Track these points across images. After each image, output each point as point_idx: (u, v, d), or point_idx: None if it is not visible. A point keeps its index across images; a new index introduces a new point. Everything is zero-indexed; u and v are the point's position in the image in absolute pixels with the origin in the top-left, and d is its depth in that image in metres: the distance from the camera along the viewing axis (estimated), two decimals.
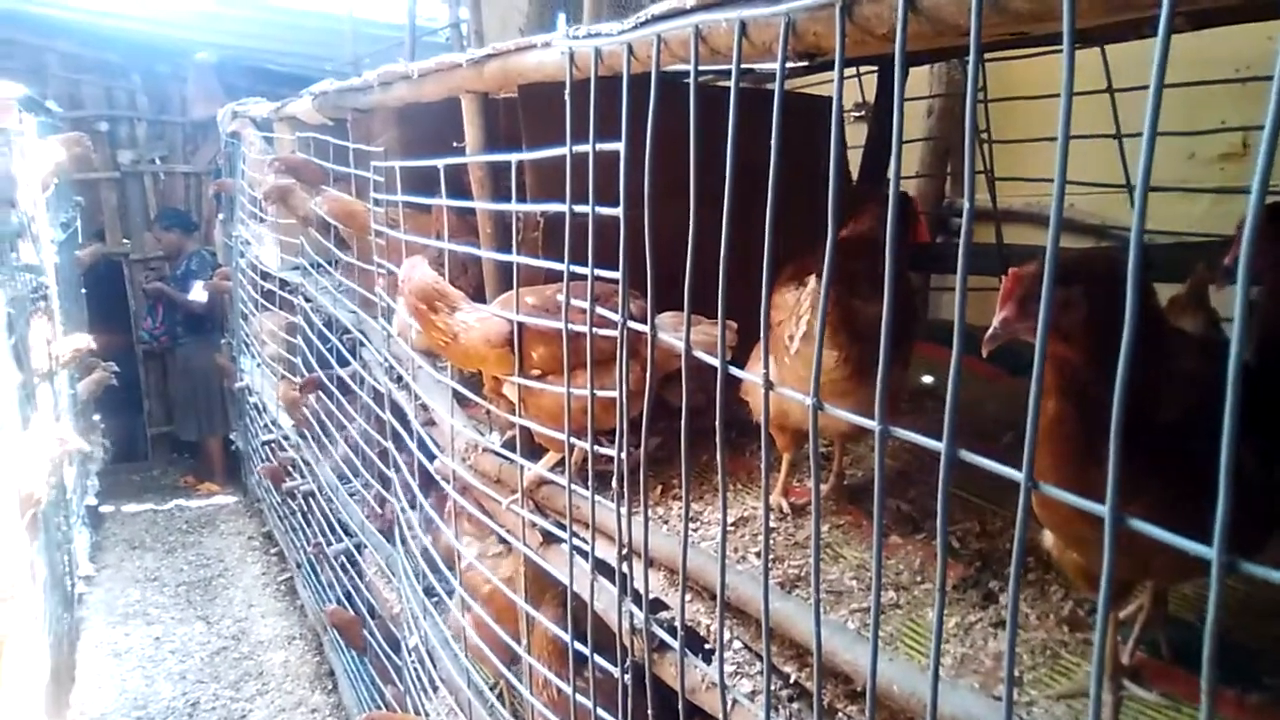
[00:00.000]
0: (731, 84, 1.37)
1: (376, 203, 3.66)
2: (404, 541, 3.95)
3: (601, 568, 2.16)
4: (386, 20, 9.10)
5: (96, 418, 9.01)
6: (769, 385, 1.48)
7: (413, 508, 3.73)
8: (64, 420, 6.14)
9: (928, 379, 3.15)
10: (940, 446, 1.12)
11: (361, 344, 4.41)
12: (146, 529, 8.82)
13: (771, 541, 2.14)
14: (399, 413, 3.73)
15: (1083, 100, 2.90)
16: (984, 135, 3.91)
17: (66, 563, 5.80)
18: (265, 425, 7.12)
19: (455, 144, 2.84)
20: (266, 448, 7.14)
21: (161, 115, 10.28)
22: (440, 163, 2.83)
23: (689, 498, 1.99)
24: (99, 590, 7.42)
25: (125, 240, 10.18)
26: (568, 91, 1.88)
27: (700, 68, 1.55)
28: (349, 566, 5.01)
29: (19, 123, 5.97)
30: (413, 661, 3.82)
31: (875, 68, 4.08)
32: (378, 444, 4.25)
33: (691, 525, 2.23)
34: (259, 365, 7.21)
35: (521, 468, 2.48)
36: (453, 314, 2.46)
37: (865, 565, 2.01)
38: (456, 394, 2.91)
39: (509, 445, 2.74)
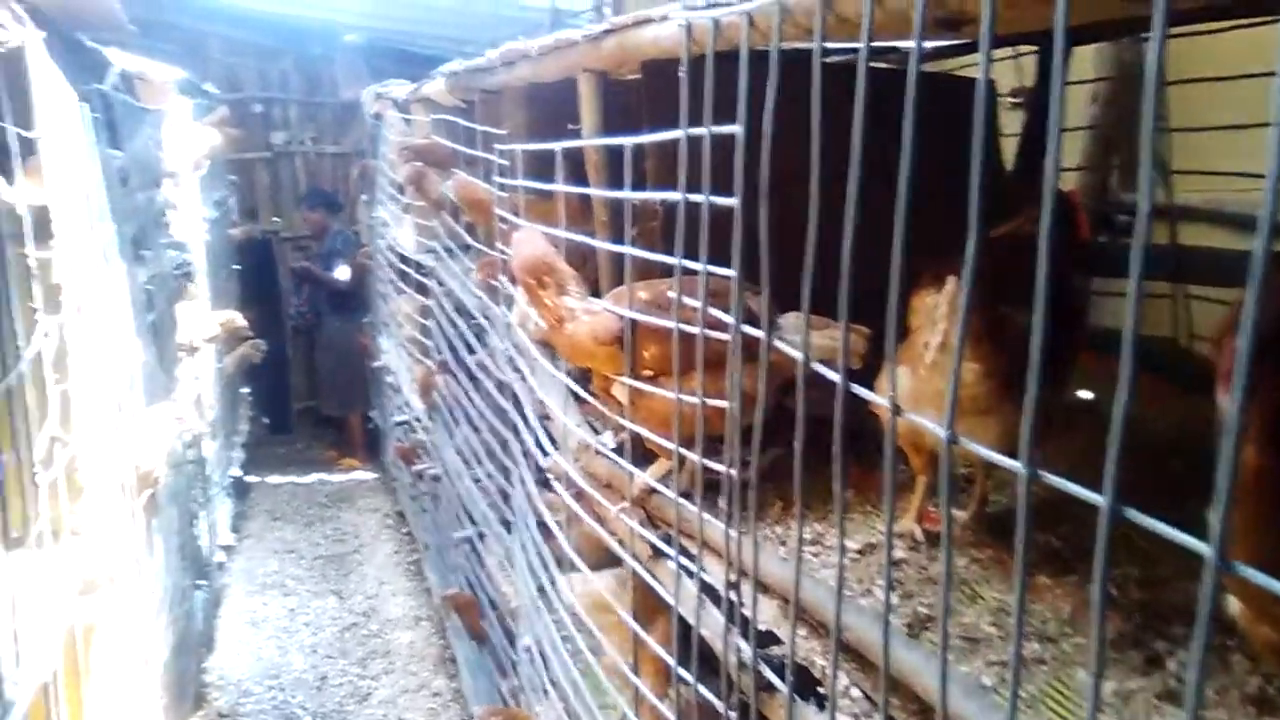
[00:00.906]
0: (860, 57, 1.16)
1: (500, 187, 3.54)
2: (521, 535, 3.85)
3: (710, 591, 1.98)
4: (528, 3, 9.08)
5: (245, 390, 9.32)
6: (896, 410, 1.27)
7: (528, 503, 3.62)
8: (207, 394, 6.30)
9: (1086, 394, 2.85)
10: (1101, 501, 0.90)
11: (487, 331, 4.33)
12: (288, 501, 9.06)
13: (900, 574, 1.92)
14: (519, 404, 3.63)
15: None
16: (1161, 122, 3.54)
17: (207, 533, 5.94)
18: (400, 406, 7.18)
19: (570, 126, 2.68)
20: (400, 428, 7.20)
21: (312, 97, 10.52)
22: (556, 146, 2.69)
23: (804, 518, 1.80)
24: (240, 559, 7.63)
25: (276, 219, 10.48)
26: (683, 68, 1.69)
27: (831, 45, 1.34)
28: (471, 555, 4.96)
29: (175, 104, 6.13)
30: (526, 660, 3.72)
31: (1035, 48, 3.75)
32: (499, 434, 4.17)
33: (811, 550, 2.02)
34: (396, 346, 7.27)
35: (630, 474, 2.32)
36: (560, 295, 2.31)
37: (1007, 609, 1.78)
38: (570, 389, 2.77)
39: (620, 448, 2.59)
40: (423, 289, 6.04)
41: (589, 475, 2.67)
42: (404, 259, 6.50)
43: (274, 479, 9.58)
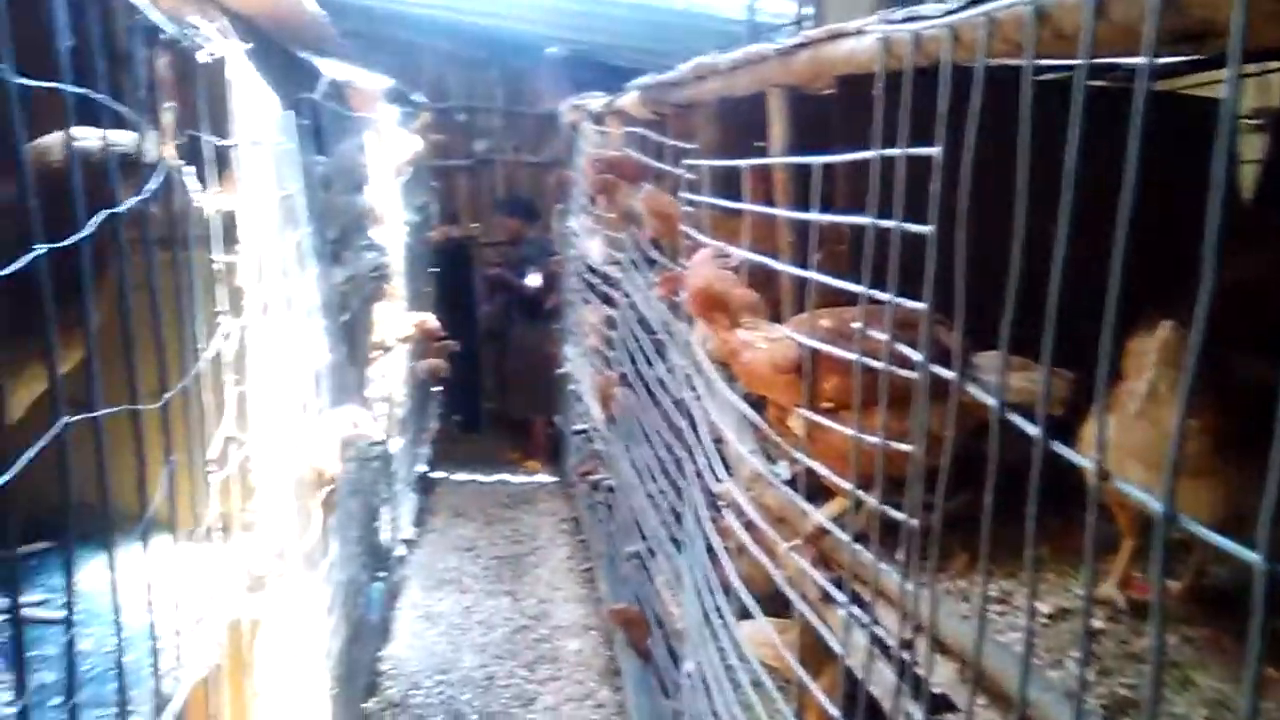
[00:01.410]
0: (1077, 75, 1.02)
1: (687, 202, 3.48)
2: (690, 556, 3.78)
3: (882, 644, 1.84)
4: (728, 15, 9.03)
5: (436, 389, 9.62)
6: (1103, 475, 1.12)
7: (698, 526, 3.54)
8: (398, 393, 6.51)
9: None
10: None
11: (667, 346, 4.27)
12: (471, 499, 9.28)
13: (1098, 647, 1.73)
14: (694, 424, 3.55)
15: None
16: None
17: (390, 527, 6.13)
18: (581, 414, 7.23)
19: (756, 144, 2.59)
20: (580, 436, 7.25)
21: (515, 107, 10.80)
22: (743, 164, 2.60)
23: (990, 574, 1.64)
24: (420, 553, 7.86)
25: (474, 225, 10.79)
26: (877, 85, 1.57)
27: (1044, 61, 1.21)
28: (641, 570, 4.92)
29: (382, 112, 6.37)
30: (688, 685, 3.63)
31: None
32: (673, 451, 4.10)
33: (997, 609, 1.85)
34: (581, 355, 7.34)
35: (803, 510, 2.20)
36: (733, 327, 2.22)
37: (1226, 702, 1.56)
38: (744, 415, 2.67)
39: (794, 481, 2.47)
40: (608, 300, 6.06)
41: (760, 506, 2.56)
42: (592, 269, 6.54)
43: (459, 476, 9.83)
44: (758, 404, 2.65)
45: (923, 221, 1.56)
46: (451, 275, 10.24)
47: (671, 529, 4.32)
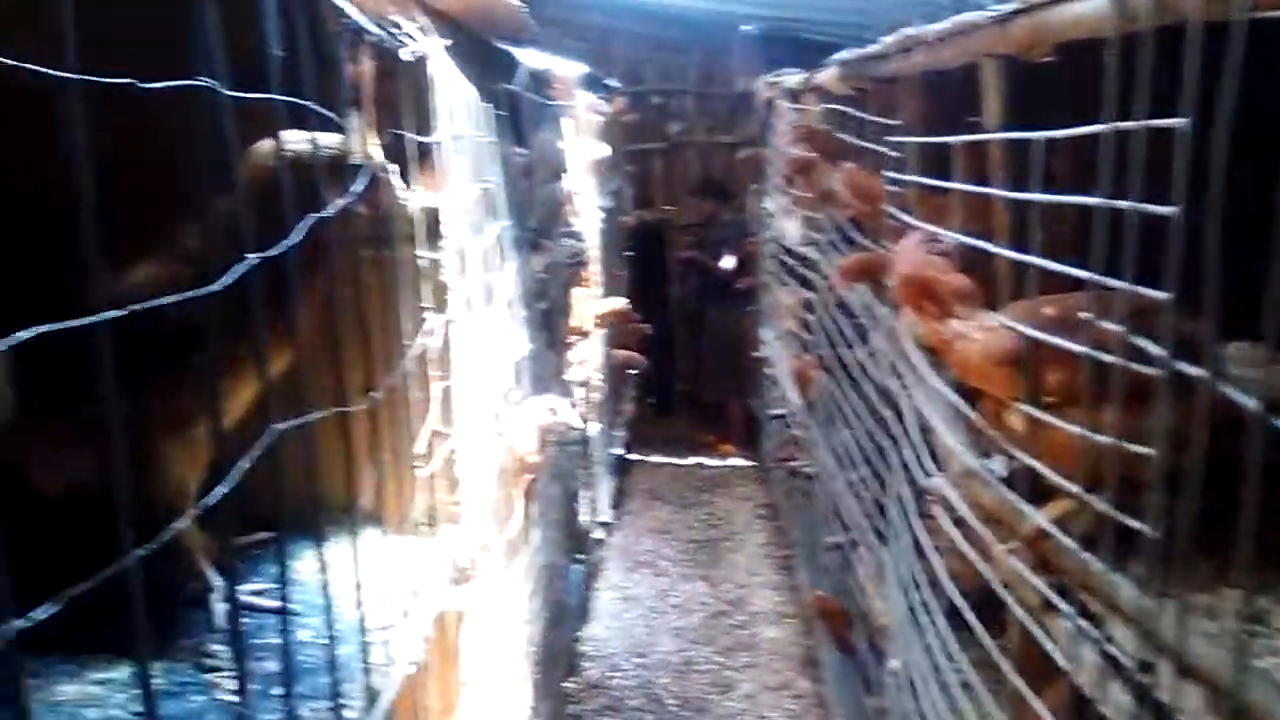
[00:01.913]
0: None
1: (890, 182, 3.33)
2: (895, 552, 3.64)
3: (1115, 663, 1.69)
4: None
5: (633, 371, 9.70)
6: None
7: (904, 520, 3.40)
8: (594, 377, 6.59)
9: None
10: None
11: (870, 331, 4.13)
12: (667, 483, 9.32)
13: None
14: (900, 413, 3.41)
15: None
16: None
17: (588, 509, 6.22)
18: (778, 398, 7.14)
19: (969, 118, 2.43)
20: (777, 421, 7.15)
21: (709, 88, 10.74)
22: (955, 140, 2.45)
23: (1247, 590, 1.49)
24: (618, 535, 7.95)
25: (667, 207, 10.80)
26: (1110, 50, 1.43)
27: None
28: (841, 561, 4.80)
29: (578, 99, 6.44)
30: (893, 684, 3.50)
31: None
32: (877, 440, 3.97)
33: (1252, 630, 1.67)
34: (777, 338, 7.24)
35: (1023, 511, 2.06)
36: (944, 317, 2.09)
37: None
38: (956, 407, 2.52)
39: (1012, 479, 2.31)
40: (806, 282, 5.93)
41: (973, 504, 2.42)
42: (788, 250, 6.42)
43: (654, 459, 9.90)
44: (970, 395, 2.50)
45: (1162, 201, 1.41)
46: (645, 259, 10.29)
47: (875, 520, 4.18)
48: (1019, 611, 2.12)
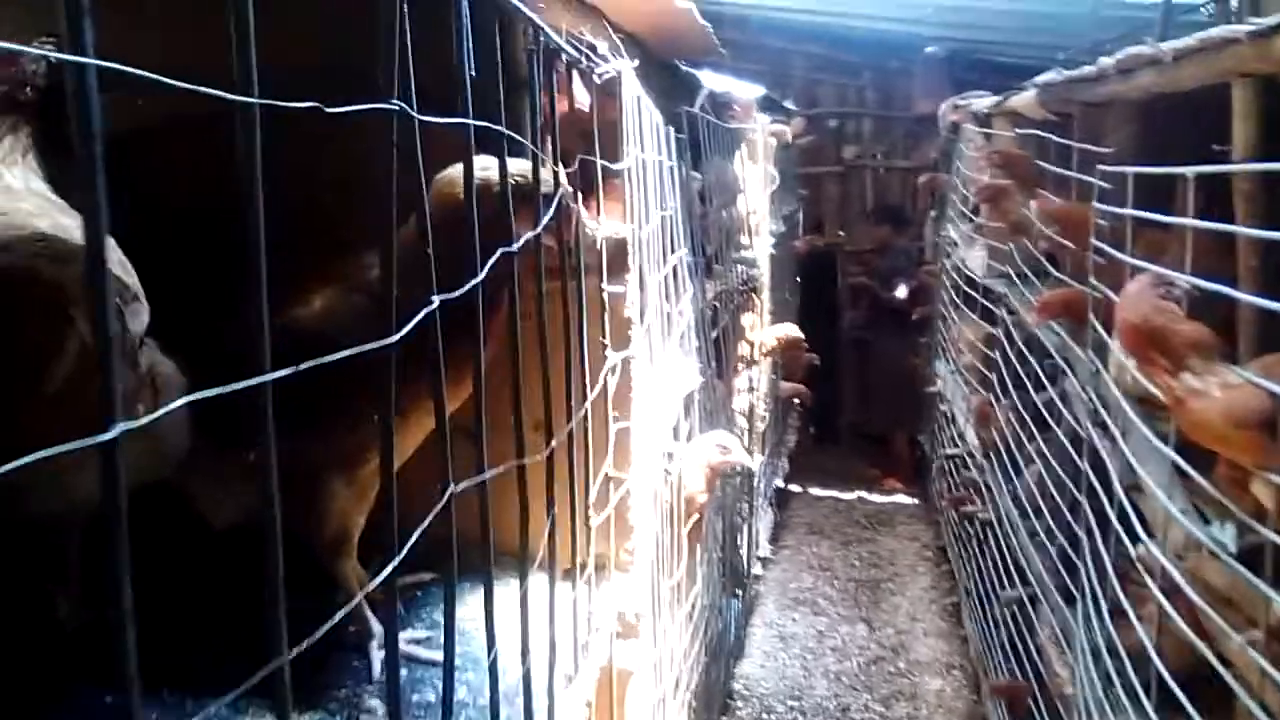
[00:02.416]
0: None
1: (1101, 214, 3.06)
2: (1086, 616, 3.35)
3: None
4: (1135, 0, 8.14)
5: (797, 401, 9.46)
6: None
7: (1101, 584, 3.12)
8: (760, 405, 6.41)
9: None
10: None
11: (1063, 373, 3.83)
12: (827, 516, 9.04)
13: None
14: (1099, 465, 3.13)
15: None
16: None
17: (746, 544, 6.03)
18: (951, 438, 6.79)
19: (1215, 147, 2.17)
20: (950, 462, 6.81)
21: (886, 111, 10.44)
22: (1189, 171, 2.19)
23: None
24: (775, 570, 7.72)
25: (841, 233, 10.54)
26: None
27: None
28: (1019, 617, 4.48)
29: (755, 122, 6.31)
30: None
31: None
32: (1069, 493, 3.67)
33: None
34: (953, 373, 6.90)
35: (1268, 597, 1.79)
36: (1178, 372, 1.85)
37: None
38: (1176, 467, 2.25)
39: (1251, 557, 2.04)
40: (989, 315, 5.62)
41: (1196, 580, 2.15)
42: (970, 282, 6.11)
43: (815, 491, 9.61)
44: (1193, 455, 2.23)
45: None
46: (816, 285, 10.06)
47: (1063, 578, 3.87)
48: (1255, 709, 1.85)
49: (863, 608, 7.23)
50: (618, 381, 1.63)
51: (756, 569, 6.85)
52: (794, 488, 9.43)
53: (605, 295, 1.64)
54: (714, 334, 4.16)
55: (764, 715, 5.77)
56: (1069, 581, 3.80)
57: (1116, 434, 2.75)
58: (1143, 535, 2.48)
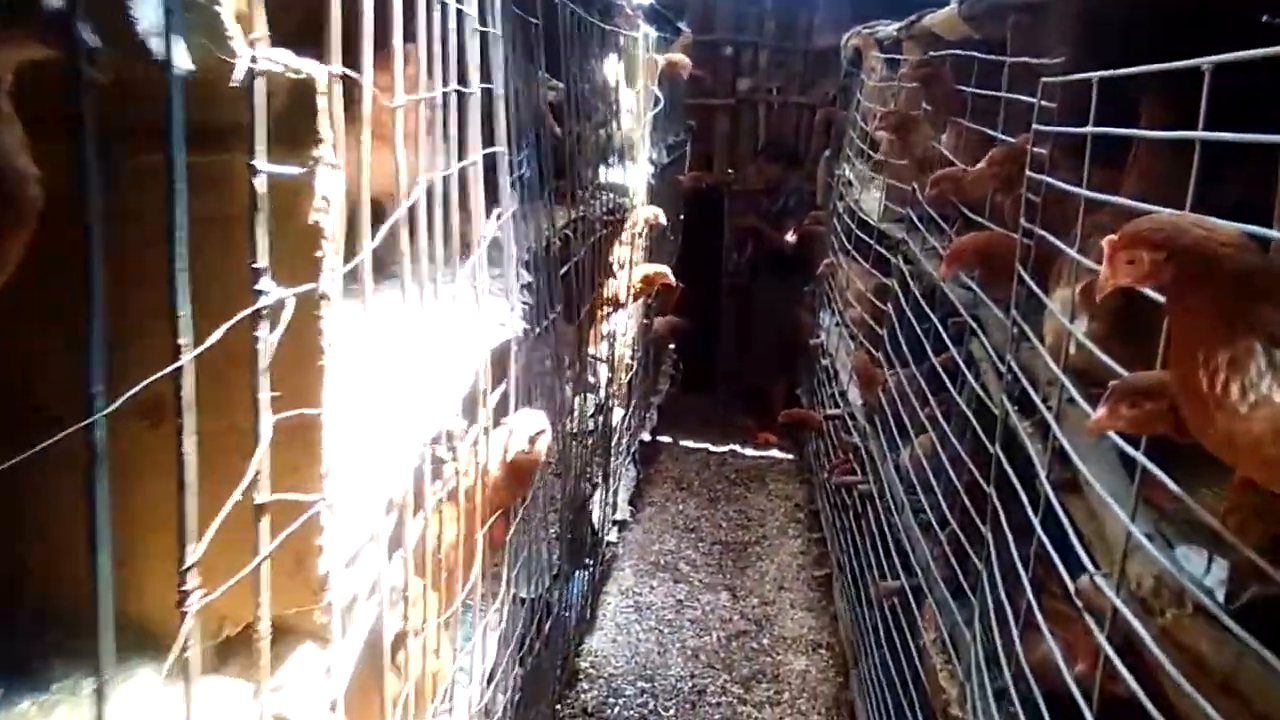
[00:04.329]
0: None
1: (1042, 140, 2.42)
2: (983, 622, 2.78)
3: None
4: None
5: (672, 347, 8.84)
6: None
7: (1010, 591, 2.54)
8: (627, 352, 5.73)
9: None
10: None
11: (972, 333, 3.22)
12: (697, 471, 8.46)
13: None
14: (1014, 450, 2.53)
15: None
16: None
17: (600, 508, 5.36)
18: (833, 396, 6.23)
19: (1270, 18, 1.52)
20: (830, 423, 6.25)
21: (784, 43, 9.74)
22: (1200, 64, 1.55)
23: None
24: (637, 531, 7.10)
25: (730, 170, 9.86)
26: None
27: None
28: (900, 610, 3.92)
29: (638, 33, 5.54)
30: None
31: None
32: (968, 474, 3.08)
33: None
34: (838, 325, 6.32)
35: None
36: (1209, 371, 1.20)
37: None
38: (1145, 471, 1.63)
39: (1245, 612, 1.44)
40: (883, 264, 5.02)
41: (1171, 639, 1.53)
42: (864, 226, 5.50)
43: (687, 442, 9.02)
44: (1181, 456, 1.61)
45: None
46: (699, 224, 9.39)
47: (955, 571, 3.30)
48: None
49: (727, 574, 6.68)
50: (284, 336, 0.91)
51: (612, 536, 6.20)
52: (663, 438, 8.83)
53: (261, 183, 0.90)
54: (562, 270, 3.43)
55: (610, 699, 5.15)
56: (960, 576, 3.24)
57: (1048, 417, 2.13)
58: (1083, 555, 1.87)
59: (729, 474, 8.46)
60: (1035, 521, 2.11)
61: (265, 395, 0.93)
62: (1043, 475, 2.14)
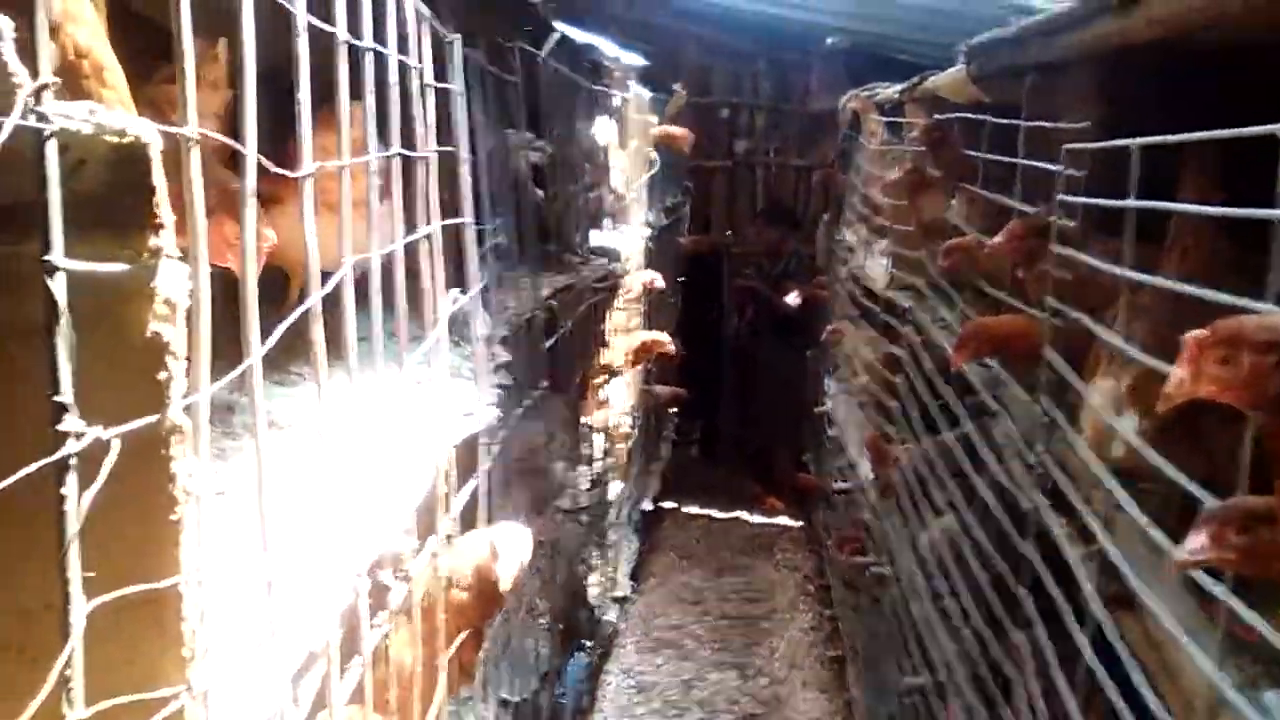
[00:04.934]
0: None
1: (1069, 211, 2.21)
2: None
3: None
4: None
5: (673, 411, 8.61)
6: None
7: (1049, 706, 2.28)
8: (624, 419, 5.50)
9: None
10: None
11: (991, 415, 2.98)
12: (701, 538, 8.20)
13: None
14: (1050, 550, 2.28)
15: None
16: None
17: (601, 586, 5.08)
18: (841, 468, 5.97)
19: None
20: (840, 497, 5.98)
21: (781, 104, 9.63)
22: (1275, 130, 1.34)
23: None
24: (640, 603, 6.82)
25: (729, 232, 9.69)
26: None
27: None
28: (920, 710, 3.64)
29: (632, 95, 5.38)
30: None
31: None
32: (995, 568, 2.83)
33: None
34: (845, 394, 6.08)
35: None
36: None
37: None
38: (1223, 605, 1.38)
39: None
40: (891, 333, 4.80)
41: None
42: (869, 293, 5.28)
43: (691, 508, 8.75)
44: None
45: None
46: (700, 287, 9.22)
47: (979, 669, 3.03)
48: None
49: (735, 650, 6.39)
50: (117, 488, 0.68)
51: (612, 614, 5.90)
52: (666, 504, 8.55)
53: (59, 284, 0.66)
54: (549, 343, 3.20)
55: None
56: (990, 679, 2.96)
57: (1093, 524, 1.88)
58: (1147, 694, 1.62)
59: (735, 542, 8.19)
60: (1084, 643, 1.85)
61: (76, 571, 0.69)
62: (1089, 589, 1.89)
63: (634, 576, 6.87)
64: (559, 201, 3.60)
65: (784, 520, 8.62)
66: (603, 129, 4.64)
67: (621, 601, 6.22)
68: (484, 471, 1.98)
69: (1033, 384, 2.61)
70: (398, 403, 1.53)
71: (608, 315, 4.88)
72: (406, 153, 1.67)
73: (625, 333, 5.23)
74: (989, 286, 3.12)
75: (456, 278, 1.95)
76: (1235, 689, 1.35)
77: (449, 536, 1.72)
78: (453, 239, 1.98)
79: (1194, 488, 1.42)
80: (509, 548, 1.83)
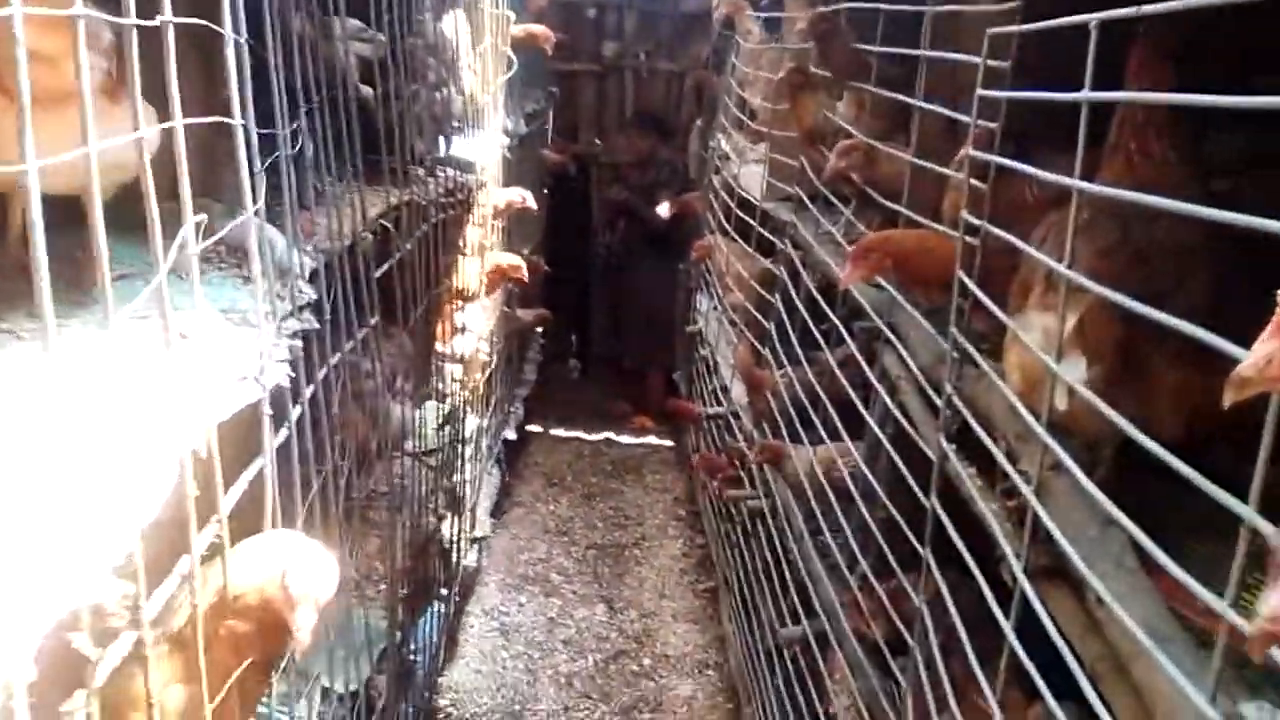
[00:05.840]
0: None
1: (992, 109, 1.86)
2: (916, 696, 2.26)
3: None
4: None
5: (540, 332, 8.22)
6: None
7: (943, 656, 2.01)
8: (482, 347, 5.07)
9: None
10: None
11: (886, 342, 2.67)
12: (569, 463, 7.86)
13: None
14: (953, 500, 1.99)
15: None
16: None
17: (456, 529, 4.68)
18: (714, 391, 5.67)
19: None
20: (711, 422, 5.70)
21: (653, 5, 9.11)
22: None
23: None
24: (504, 537, 6.47)
25: (597, 141, 9.21)
26: None
27: None
28: (802, 656, 3.40)
29: None
30: None
31: None
32: (883, 512, 2.55)
33: None
34: (717, 312, 5.77)
35: None
36: None
37: None
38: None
39: None
40: (768, 247, 4.47)
41: None
42: (745, 205, 4.94)
43: (559, 431, 8.41)
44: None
45: None
46: (565, 200, 8.76)
47: (867, 621, 2.76)
48: None
49: (604, 582, 6.12)
50: None
51: (471, 557, 5.54)
52: (533, 428, 8.19)
53: None
54: (382, 268, 2.74)
55: None
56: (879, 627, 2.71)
57: (1020, 483, 1.57)
58: (1086, 684, 1.32)
59: (604, 465, 7.89)
60: (1007, 626, 1.55)
61: None
62: (1012, 559, 1.59)
63: (497, 510, 6.51)
64: (398, 104, 3.10)
65: (654, 440, 8.37)
66: (451, 24, 4.11)
67: (481, 541, 5.85)
68: (270, 454, 1.55)
69: (934, 310, 2.31)
70: (124, 371, 1.09)
71: (460, 234, 4.41)
72: (138, 21, 1.20)
73: (483, 253, 4.77)
74: (877, 195, 2.80)
75: (234, 197, 1.49)
76: (1210, 703, 1.06)
77: (202, 556, 1.29)
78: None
79: (1179, 463, 1.10)
80: (303, 581, 1.40)
